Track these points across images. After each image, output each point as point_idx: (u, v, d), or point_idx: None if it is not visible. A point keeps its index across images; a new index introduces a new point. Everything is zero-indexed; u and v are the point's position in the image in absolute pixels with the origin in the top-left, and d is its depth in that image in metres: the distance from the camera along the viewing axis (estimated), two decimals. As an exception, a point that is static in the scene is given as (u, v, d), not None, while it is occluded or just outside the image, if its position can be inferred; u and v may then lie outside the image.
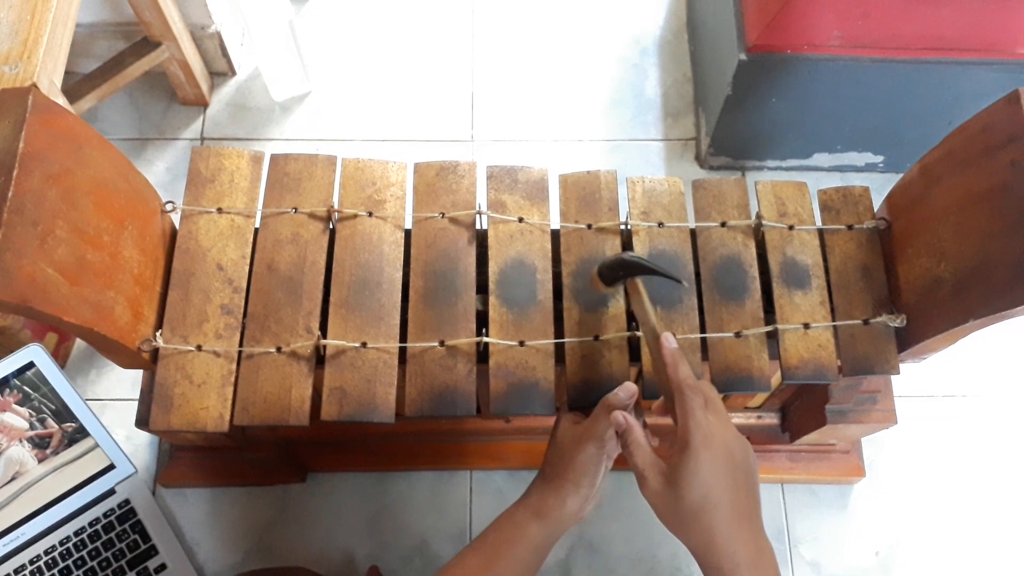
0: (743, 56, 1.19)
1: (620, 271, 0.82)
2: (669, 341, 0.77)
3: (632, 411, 0.81)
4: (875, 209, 0.94)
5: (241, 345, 0.87)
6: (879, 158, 1.40)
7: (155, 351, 0.86)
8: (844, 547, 1.21)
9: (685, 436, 0.71)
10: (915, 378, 1.29)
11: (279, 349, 0.87)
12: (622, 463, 0.79)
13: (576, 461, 0.80)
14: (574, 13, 1.59)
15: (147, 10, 1.25)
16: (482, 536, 0.82)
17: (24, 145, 0.73)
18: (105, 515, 1.14)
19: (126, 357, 0.85)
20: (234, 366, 0.86)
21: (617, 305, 0.89)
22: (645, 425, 0.79)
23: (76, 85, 1.28)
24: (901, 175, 0.91)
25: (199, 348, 0.86)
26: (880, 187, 0.96)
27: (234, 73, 1.50)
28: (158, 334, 0.86)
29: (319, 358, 0.87)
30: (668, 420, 0.77)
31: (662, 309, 0.89)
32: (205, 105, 1.48)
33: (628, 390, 0.80)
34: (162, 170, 1.43)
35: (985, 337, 1.13)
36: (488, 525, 0.83)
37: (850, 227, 0.93)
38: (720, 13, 1.30)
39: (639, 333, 0.87)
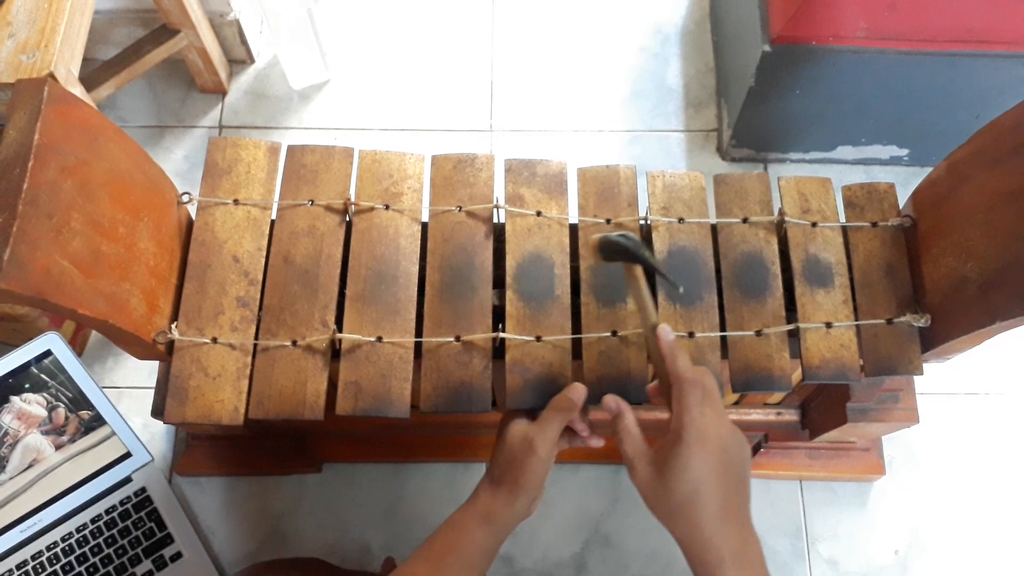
0: (767, 47, 1.17)
1: (620, 254, 0.79)
2: (666, 333, 0.76)
3: (581, 413, 0.81)
4: (900, 206, 0.93)
5: (256, 338, 0.87)
6: (904, 151, 1.38)
7: (170, 343, 0.86)
8: (863, 545, 1.20)
9: (679, 429, 0.71)
10: (937, 375, 1.27)
11: (295, 342, 0.86)
12: (595, 455, 0.78)
13: (526, 464, 0.79)
14: (596, 1, 1.57)
15: (165, -3, 1.25)
16: (428, 543, 0.81)
17: (39, 136, 0.73)
18: (121, 503, 1.15)
19: (141, 349, 0.85)
20: (249, 359, 0.86)
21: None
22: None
23: (95, 73, 1.28)
24: (926, 169, 0.90)
25: (214, 341, 0.86)
26: (905, 181, 0.95)
27: (253, 61, 1.49)
28: (173, 326, 0.86)
29: (334, 352, 0.86)
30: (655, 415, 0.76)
31: (680, 307, 0.87)
32: (224, 93, 1.47)
33: (577, 391, 0.80)
34: (180, 158, 1.42)
35: (1010, 335, 1.12)
36: (434, 531, 0.81)
37: (875, 224, 0.91)
38: (744, 3, 1.28)
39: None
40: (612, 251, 0.80)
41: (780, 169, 1.42)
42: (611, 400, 0.77)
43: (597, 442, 0.84)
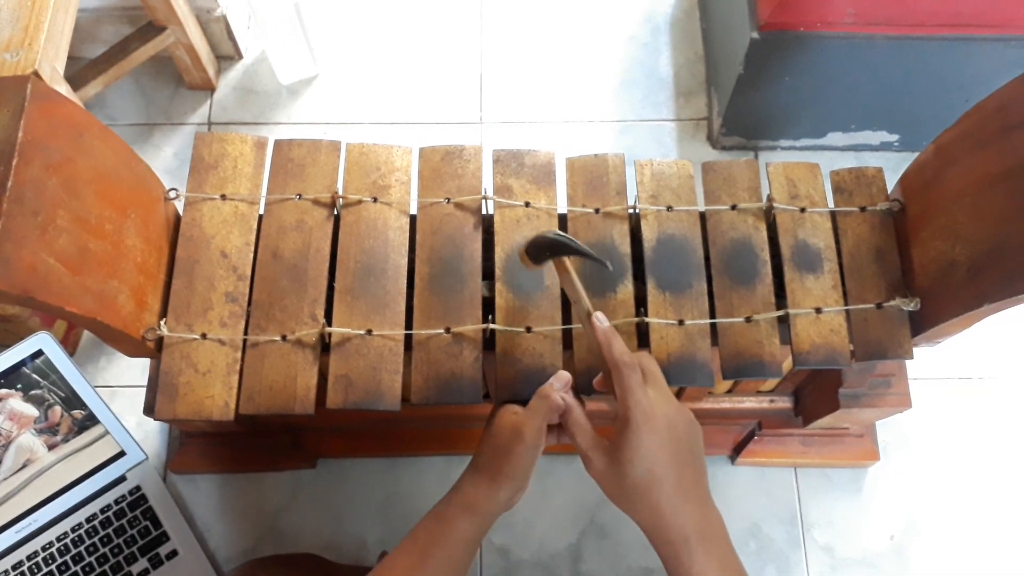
0: (755, 34, 1.17)
1: (546, 250, 0.79)
2: (600, 320, 0.76)
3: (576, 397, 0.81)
4: (889, 190, 0.93)
5: (246, 333, 0.86)
6: (894, 137, 1.38)
7: (160, 340, 0.86)
8: (858, 531, 1.20)
9: (625, 413, 0.71)
10: (930, 360, 1.28)
11: (284, 337, 0.86)
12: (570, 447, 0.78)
13: (513, 453, 0.78)
14: (584, -8, 1.57)
15: (151, -6, 1.25)
16: (411, 535, 0.80)
17: (23, 134, 0.73)
18: (116, 502, 1.14)
19: (131, 346, 0.85)
20: (239, 354, 0.86)
21: (626, 291, 0.88)
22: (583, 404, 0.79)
23: (82, 71, 1.27)
24: (917, 154, 0.90)
25: (204, 336, 0.86)
26: (896, 166, 0.95)
27: (241, 57, 1.49)
28: (162, 323, 0.86)
29: (324, 346, 0.86)
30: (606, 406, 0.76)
31: (670, 294, 0.87)
32: (212, 89, 1.47)
33: (562, 379, 0.80)
34: (170, 155, 1.42)
35: (1001, 319, 1.12)
36: (417, 522, 0.81)
37: (863, 209, 0.91)
38: (732, -10, 1.28)
39: (648, 319, 0.86)
40: (539, 249, 0.80)
41: (770, 156, 1.42)
42: (557, 397, 0.77)
43: None
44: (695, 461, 0.73)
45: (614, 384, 0.73)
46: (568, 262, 0.79)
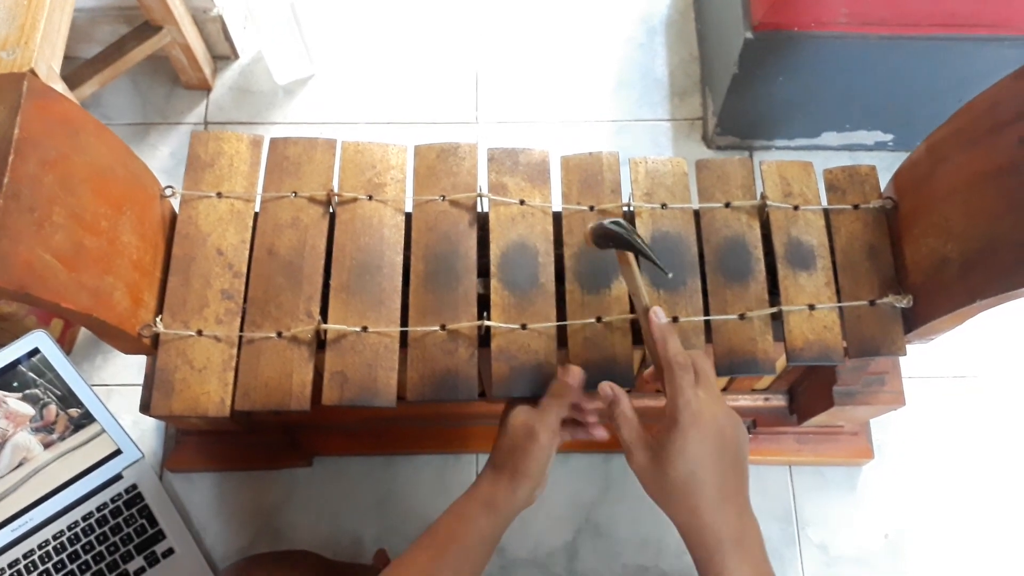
0: (749, 34, 1.17)
1: (611, 241, 0.80)
2: (658, 316, 0.76)
3: (586, 397, 0.82)
4: (882, 188, 0.93)
5: (242, 330, 0.87)
6: (889, 136, 1.39)
7: (155, 336, 0.86)
8: (853, 529, 1.21)
9: (674, 413, 0.71)
10: (924, 359, 1.28)
11: (280, 334, 0.86)
12: (586, 444, 0.78)
13: (529, 451, 0.79)
14: (579, -8, 1.57)
15: (148, -6, 1.25)
16: (430, 531, 0.81)
17: (19, 131, 0.73)
18: (112, 500, 1.15)
19: (126, 343, 0.85)
20: (235, 351, 0.86)
21: (620, 287, 0.89)
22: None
23: (78, 70, 1.28)
24: (911, 153, 0.90)
25: (199, 333, 0.86)
26: (890, 166, 0.95)
27: (237, 57, 1.49)
28: (158, 319, 0.86)
29: (320, 343, 0.86)
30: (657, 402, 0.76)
31: (664, 291, 0.88)
32: (208, 89, 1.47)
33: (574, 375, 0.80)
34: (166, 155, 1.42)
35: (995, 317, 1.12)
36: (436, 519, 0.81)
37: (856, 207, 0.91)
38: (726, -10, 1.28)
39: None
40: (605, 238, 0.80)
41: (765, 156, 1.42)
42: (607, 387, 0.77)
43: (601, 433, 0.84)
44: (738, 467, 0.73)
45: (665, 382, 0.73)
46: (631, 256, 0.80)
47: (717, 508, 0.70)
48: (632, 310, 0.87)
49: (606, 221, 0.78)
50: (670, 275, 0.83)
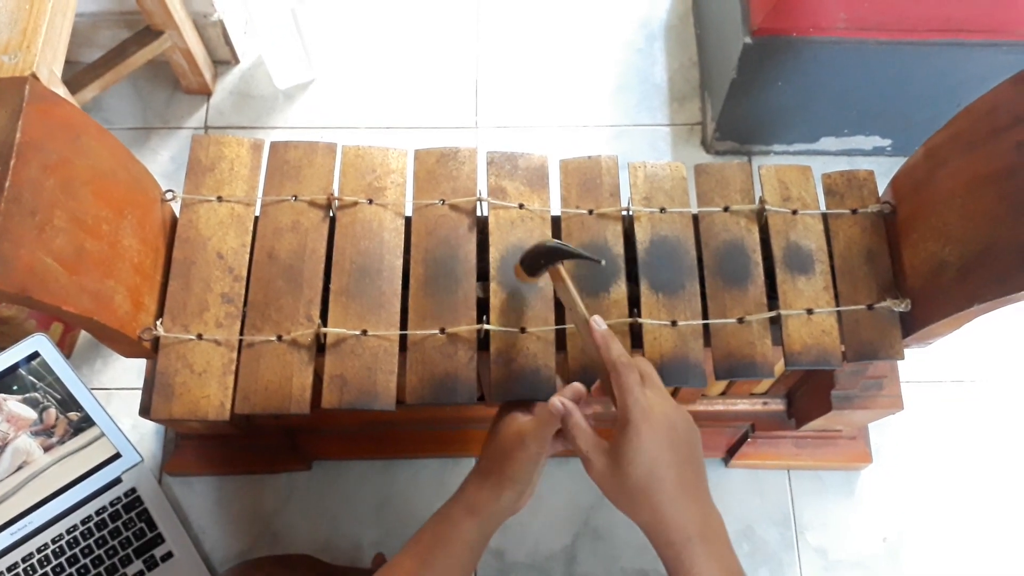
0: (748, 40, 1.17)
1: (541, 259, 0.81)
2: (598, 324, 0.77)
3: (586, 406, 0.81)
4: (880, 193, 0.93)
5: (242, 334, 0.87)
6: (887, 142, 1.39)
7: (156, 340, 0.86)
8: (851, 533, 1.21)
9: (624, 414, 0.71)
10: (922, 363, 1.28)
11: (280, 337, 0.86)
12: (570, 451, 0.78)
13: (517, 459, 0.79)
14: (579, -2, 1.58)
15: (149, -2, 1.25)
16: (416, 537, 0.81)
17: (21, 135, 0.73)
18: (111, 504, 1.15)
19: (127, 346, 0.85)
20: (235, 355, 0.86)
21: (619, 292, 0.89)
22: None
23: (79, 75, 1.28)
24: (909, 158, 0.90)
25: (200, 337, 0.86)
26: (888, 171, 0.95)
27: (237, 61, 1.50)
28: (159, 323, 0.86)
29: (320, 346, 0.87)
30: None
31: (663, 295, 0.88)
32: (209, 94, 1.47)
33: (576, 390, 0.79)
34: (166, 159, 1.43)
35: (993, 322, 1.13)
36: (423, 524, 0.81)
37: (854, 211, 0.92)
38: (725, -4, 1.29)
39: (641, 320, 0.87)
40: (535, 259, 0.81)
41: (764, 161, 1.43)
42: (556, 401, 0.76)
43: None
44: (695, 461, 0.73)
45: (613, 386, 0.73)
46: (563, 270, 0.80)
47: (679, 503, 0.70)
48: (632, 316, 0.88)
49: (543, 241, 0.80)
50: (603, 262, 0.84)
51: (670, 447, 0.71)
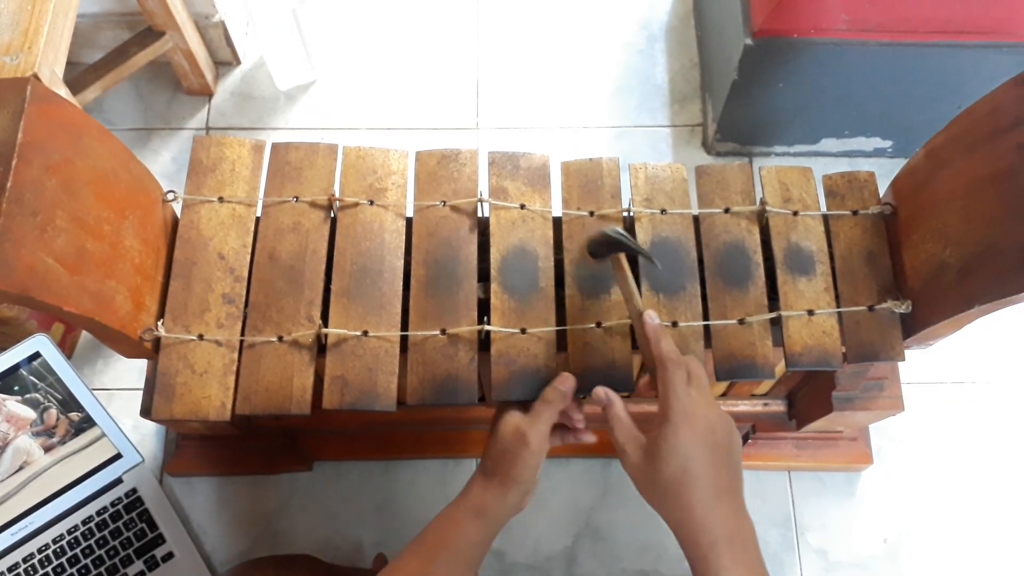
0: (749, 41, 1.18)
1: (604, 247, 0.82)
2: (651, 317, 0.78)
3: (576, 404, 0.83)
4: (881, 194, 0.93)
5: (243, 334, 0.87)
6: (888, 143, 1.39)
7: (157, 340, 0.86)
8: (852, 534, 1.21)
9: (666, 410, 0.71)
10: (923, 364, 1.28)
11: (281, 338, 0.86)
12: (585, 449, 0.78)
13: (519, 457, 0.79)
14: (580, -1, 1.58)
15: (150, -1, 1.25)
16: (420, 537, 0.81)
17: (23, 135, 0.73)
18: (112, 504, 1.15)
19: (128, 347, 0.85)
20: (236, 355, 0.86)
21: (619, 292, 0.89)
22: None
23: (80, 75, 1.28)
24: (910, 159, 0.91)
25: (201, 337, 0.86)
26: (889, 172, 0.95)
27: (239, 62, 1.50)
28: (160, 323, 0.86)
29: (320, 347, 0.87)
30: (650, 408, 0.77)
31: (664, 296, 0.88)
32: (210, 95, 1.48)
33: (566, 382, 0.81)
34: (168, 160, 1.43)
35: (994, 323, 1.13)
36: (426, 525, 0.82)
37: (855, 212, 0.92)
38: (726, -3, 1.29)
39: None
40: (601, 246, 0.82)
41: (765, 162, 1.43)
42: (601, 391, 0.78)
43: (589, 438, 0.85)
44: (731, 466, 0.73)
45: (658, 381, 0.74)
46: (624, 261, 0.81)
47: (711, 505, 0.70)
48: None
49: (606, 229, 0.80)
50: (660, 267, 0.85)
51: (707, 449, 0.71)
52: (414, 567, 0.79)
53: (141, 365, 1.25)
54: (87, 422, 1.13)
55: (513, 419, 0.82)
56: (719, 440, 0.72)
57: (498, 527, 0.81)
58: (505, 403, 0.86)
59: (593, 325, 0.87)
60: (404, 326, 0.88)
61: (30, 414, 1.11)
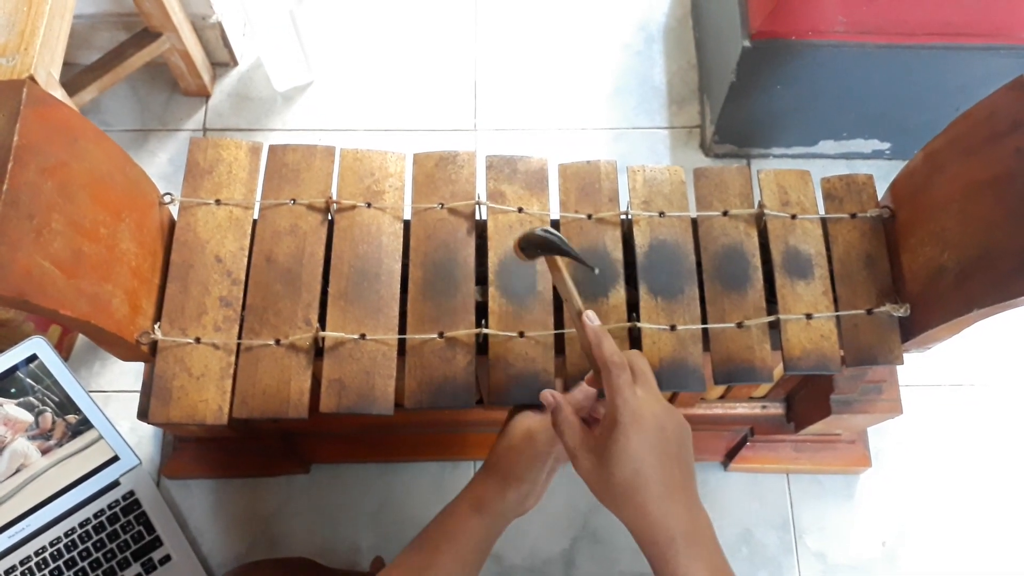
0: (747, 43, 1.17)
1: (537, 247, 0.79)
2: (590, 319, 0.76)
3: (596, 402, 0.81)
4: (880, 197, 0.93)
5: (240, 337, 0.87)
6: (886, 145, 1.39)
7: (154, 344, 0.86)
8: (850, 537, 1.21)
9: (613, 413, 0.70)
10: (922, 367, 1.28)
11: (278, 341, 0.86)
12: None
13: (524, 455, 0.79)
14: (579, 0, 1.57)
15: (147, 0, 1.25)
16: (423, 533, 0.81)
17: (19, 138, 0.73)
18: (110, 507, 1.14)
19: (125, 350, 0.85)
20: (233, 358, 0.86)
21: (618, 296, 0.89)
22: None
23: (77, 77, 1.28)
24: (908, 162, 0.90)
25: (198, 340, 0.86)
26: (887, 174, 0.95)
27: (236, 63, 1.50)
28: (156, 327, 0.86)
29: (318, 350, 0.86)
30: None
31: (662, 299, 0.88)
32: (207, 96, 1.47)
33: (586, 392, 0.79)
34: (164, 161, 1.42)
35: (992, 326, 1.13)
36: (430, 521, 0.81)
37: (853, 216, 0.92)
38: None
39: (640, 324, 0.87)
40: (535, 246, 0.80)
41: (763, 164, 1.43)
42: (548, 395, 0.77)
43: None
44: (683, 462, 0.72)
45: (603, 383, 0.73)
46: (560, 260, 0.79)
47: (664, 504, 0.70)
48: (631, 320, 0.87)
49: (536, 229, 0.78)
50: (596, 271, 0.82)
51: (657, 449, 0.70)
52: (416, 562, 0.79)
53: (138, 367, 1.25)
54: (84, 424, 1.12)
55: (526, 419, 0.82)
56: (669, 438, 0.71)
57: (500, 526, 0.81)
58: (521, 404, 0.86)
59: (591, 328, 0.86)
60: (402, 329, 0.87)
61: (27, 417, 1.11)
